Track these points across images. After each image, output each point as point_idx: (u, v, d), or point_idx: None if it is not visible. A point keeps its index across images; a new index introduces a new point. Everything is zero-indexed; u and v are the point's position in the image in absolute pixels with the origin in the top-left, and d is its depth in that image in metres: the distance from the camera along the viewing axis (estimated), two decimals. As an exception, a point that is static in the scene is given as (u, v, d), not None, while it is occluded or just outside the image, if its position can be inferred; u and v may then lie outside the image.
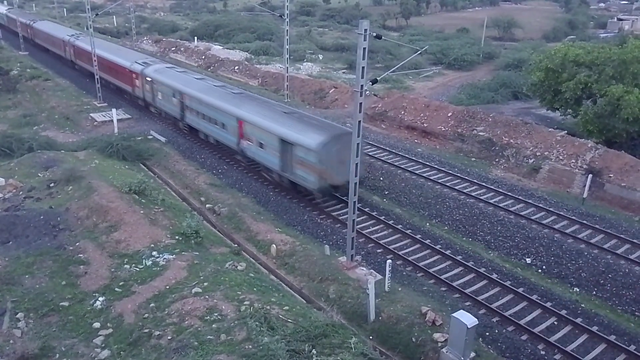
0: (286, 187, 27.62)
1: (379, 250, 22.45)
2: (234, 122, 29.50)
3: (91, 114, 40.13)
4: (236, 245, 22.44)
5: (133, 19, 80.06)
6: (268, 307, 15.41)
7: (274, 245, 21.94)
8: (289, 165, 26.06)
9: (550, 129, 33.80)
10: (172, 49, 72.69)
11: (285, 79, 46.72)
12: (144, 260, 18.76)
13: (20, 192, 24.37)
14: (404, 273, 20.80)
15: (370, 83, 17.94)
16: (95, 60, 42.28)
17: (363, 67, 17.11)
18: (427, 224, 25.17)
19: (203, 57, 66.60)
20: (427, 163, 31.28)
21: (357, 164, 18.54)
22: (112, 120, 35.65)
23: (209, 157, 32.68)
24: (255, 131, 27.93)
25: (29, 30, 68.10)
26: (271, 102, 32.48)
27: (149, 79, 38.42)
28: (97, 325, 15.56)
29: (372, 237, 23.30)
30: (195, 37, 79.71)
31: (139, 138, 34.38)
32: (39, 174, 26.31)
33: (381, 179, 29.44)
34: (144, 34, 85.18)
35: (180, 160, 31.88)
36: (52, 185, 25.03)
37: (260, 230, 23.42)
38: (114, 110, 36.84)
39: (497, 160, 32.64)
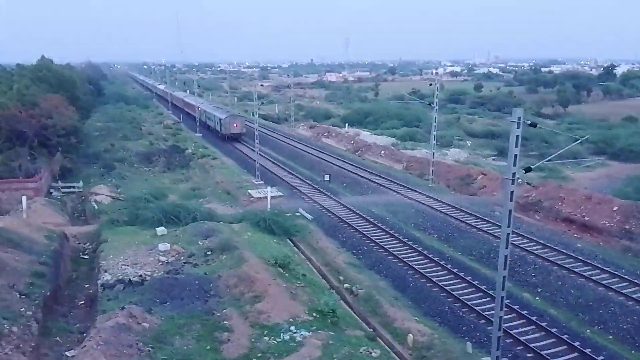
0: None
1: (529, 355, 20.18)
2: (214, 118, 76.24)
3: (249, 190, 43.85)
4: (371, 330, 21.90)
5: (292, 107, 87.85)
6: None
7: (410, 334, 20.95)
8: (220, 127, 72.80)
9: None
10: (325, 134, 77.37)
11: (431, 164, 46.69)
12: (282, 334, 19.16)
13: (182, 258, 26.93)
14: (559, 385, 18.36)
15: (524, 171, 17.12)
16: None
17: (515, 155, 16.50)
18: (588, 330, 22.20)
19: (352, 142, 69.69)
20: (588, 261, 28.16)
21: (506, 255, 17.38)
22: (266, 197, 38.49)
23: (350, 237, 33.18)
24: (215, 118, 75.81)
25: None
26: (223, 108, 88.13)
27: (199, 108, 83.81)
28: (233, 393, 15.98)
29: (521, 338, 21.11)
30: (346, 124, 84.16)
31: (288, 214, 36.39)
32: (199, 242, 28.92)
33: (533, 274, 27.09)
34: (301, 120, 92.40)
35: (323, 238, 32.81)
36: (209, 253, 27.30)
37: (397, 316, 22.66)
38: (269, 187, 39.99)
39: (676, 264, 28.25)
